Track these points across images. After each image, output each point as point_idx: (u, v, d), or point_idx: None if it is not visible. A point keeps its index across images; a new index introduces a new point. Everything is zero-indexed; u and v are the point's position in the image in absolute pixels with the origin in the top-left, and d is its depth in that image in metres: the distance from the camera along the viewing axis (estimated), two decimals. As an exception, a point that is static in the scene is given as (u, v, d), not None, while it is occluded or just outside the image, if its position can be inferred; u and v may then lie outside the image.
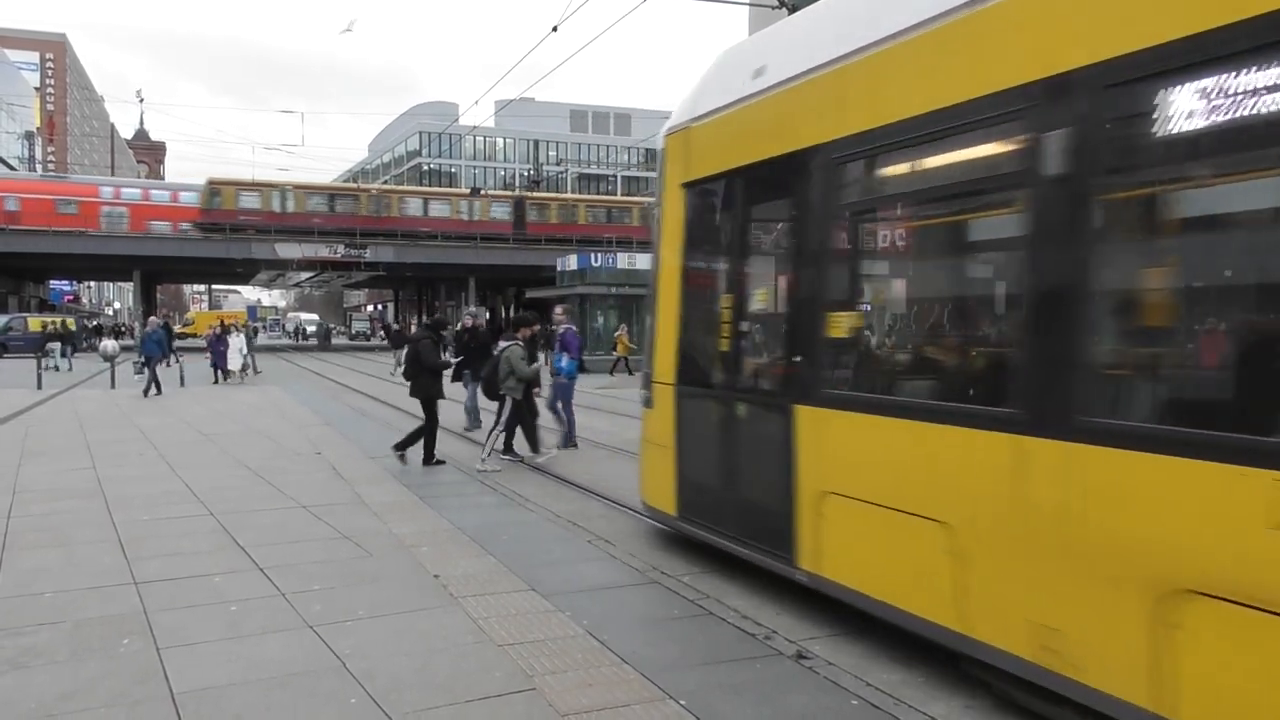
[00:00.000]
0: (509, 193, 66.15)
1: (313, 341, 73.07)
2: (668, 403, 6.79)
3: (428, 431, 10.75)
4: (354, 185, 65.73)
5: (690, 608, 5.45)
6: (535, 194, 61.78)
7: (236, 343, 25.23)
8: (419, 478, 9.88)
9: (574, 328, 12.16)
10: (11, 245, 47.63)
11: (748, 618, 5.27)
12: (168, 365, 23.79)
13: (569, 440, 12.33)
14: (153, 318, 26.08)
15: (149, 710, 4.05)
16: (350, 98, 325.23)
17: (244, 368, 25.58)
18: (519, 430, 11.32)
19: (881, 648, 4.88)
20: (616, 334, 31.75)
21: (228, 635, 4.98)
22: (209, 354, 25.18)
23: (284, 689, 4.26)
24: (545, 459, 11.13)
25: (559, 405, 12.37)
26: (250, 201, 52.39)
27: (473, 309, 16.14)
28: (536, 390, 11.62)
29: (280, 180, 54.56)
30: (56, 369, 29.04)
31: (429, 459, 10.65)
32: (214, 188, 52.32)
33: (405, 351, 14.77)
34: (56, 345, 31.94)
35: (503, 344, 10.90)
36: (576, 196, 69.25)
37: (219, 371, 24.70)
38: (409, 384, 11.13)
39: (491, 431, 10.87)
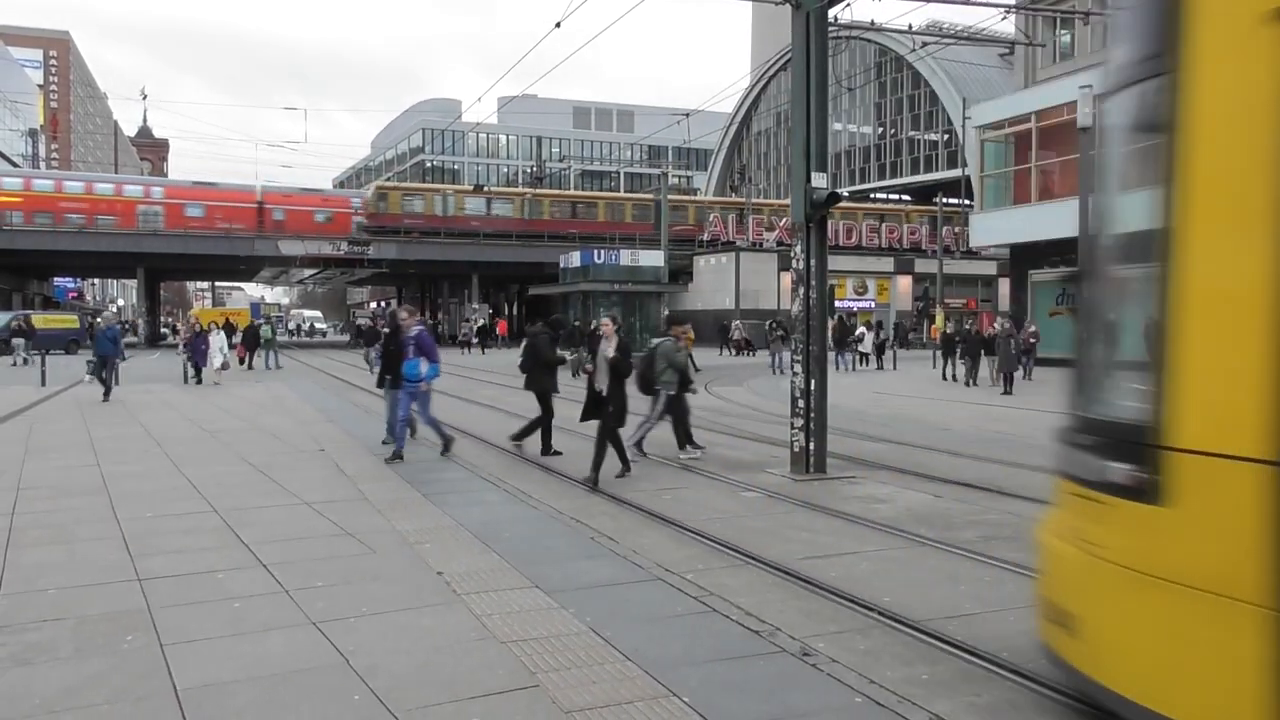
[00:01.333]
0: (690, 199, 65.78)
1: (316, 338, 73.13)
2: (1251, 501, 3.02)
3: (543, 423, 11.28)
4: (513, 190, 65.93)
5: (693, 605, 5.44)
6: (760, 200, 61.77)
7: (217, 341, 24.09)
8: (422, 474, 9.87)
9: (424, 326, 11.20)
10: (15, 243, 47.72)
11: (751, 615, 5.25)
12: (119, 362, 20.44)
13: (445, 447, 11.08)
14: (106, 312, 23.29)
15: (153, 707, 4.04)
16: (352, 95, 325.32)
17: (224, 366, 24.30)
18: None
19: (886, 646, 4.86)
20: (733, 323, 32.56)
21: (231, 632, 4.97)
22: (186, 352, 24.25)
23: (287, 685, 4.26)
24: (690, 457, 11.01)
25: (402, 417, 10.86)
26: (414, 205, 54.50)
27: (406, 306, 14.72)
28: (692, 388, 11.64)
29: (441, 186, 58.18)
30: (25, 362, 30.80)
31: (546, 449, 11.24)
32: (381, 191, 55.65)
33: (373, 352, 14.87)
34: (21, 341, 33.68)
35: (655, 340, 11.34)
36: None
37: (194, 369, 23.45)
38: (524, 377, 11.64)
39: (644, 425, 11.12)
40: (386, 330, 12.44)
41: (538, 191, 61.07)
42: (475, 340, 48.62)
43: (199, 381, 23.23)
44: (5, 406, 16.81)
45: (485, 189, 63.47)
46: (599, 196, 63.72)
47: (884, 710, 4.01)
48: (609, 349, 9.54)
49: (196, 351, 23.61)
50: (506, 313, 68.98)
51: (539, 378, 11.34)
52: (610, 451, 9.49)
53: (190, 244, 51.96)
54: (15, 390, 20.27)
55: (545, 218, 56.72)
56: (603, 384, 9.51)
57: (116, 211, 50.90)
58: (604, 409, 9.48)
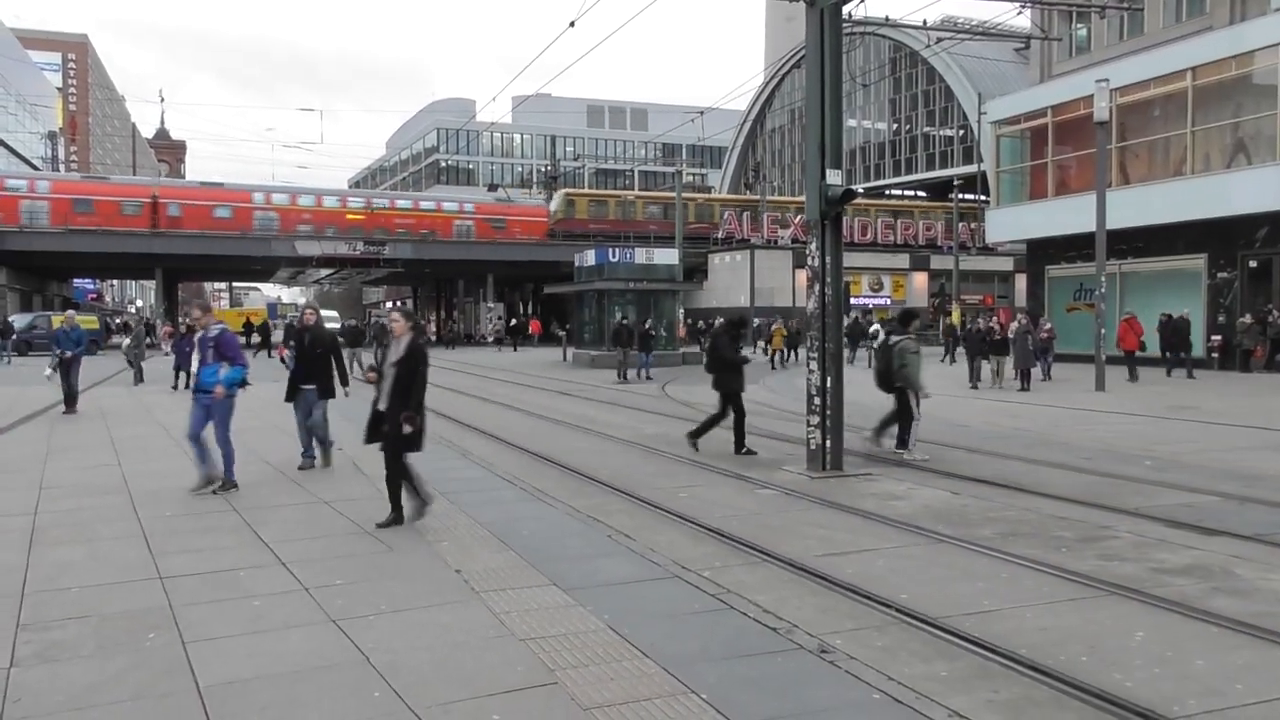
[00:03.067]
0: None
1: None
2: None
3: (736, 421, 11.30)
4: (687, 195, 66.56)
5: (711, 602, 5.44)
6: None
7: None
8: (439, 474, 9.89)
9: (226, 325, 9.71)
10: (35, 244, 48.07)
11: (769, 612, 5.25)
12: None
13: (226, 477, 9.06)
14: (70, 311, 18.86)
15: (175, 703, 4.08)
16: (366, 95, 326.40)
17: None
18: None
19: (903, 643, 4.85)
20: (774, 327, 32.49)
21: (252, 630, 5.01)
22: (172, 355, 22.10)
23: (308, 683, 4.29)
24: (912, 456, 10.85)
25: (193, 433, 8.93)
26: (597, 210, 56.65)
27: (310, 303, 12.25)
28: (924, 393, 11.19)
29: (622, 192, 60.85)
30: (8, 363, 31.58)
31: (740, 447, 11.14)
32: (569, 198, 57.64)
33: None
34: (4, 341, 34.42)
35: (894, 338, 11.12)
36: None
37: (181, 375, 20.64)
38: (712, 378, 11.61)
39: (904, 423, 10.97)
40: (301, 329, 10.55)
41: (707, 197, 64.18)
42: (506, 338, 50.84)
43: (188, 387, 20.94)
44: (27, 407, 16.97)
45: (500, 189, 63.93)
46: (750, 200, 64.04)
47: (902, 707, 4.00)
48: (398, 351, 7.51)
49: (181, 354, 20.56)
50: (522, 311, 69.15)
51: (726, 379, 11.36)
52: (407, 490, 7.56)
53: (208, 245, 52.24)
54: (37, 391, 20.43)
55: (713, 220, 57.90)
56: (384, 397, 7.50)
57: None
58: (387, 429, 7.42)
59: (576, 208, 56.93)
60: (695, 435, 11.54)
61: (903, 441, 11.01)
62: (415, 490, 7.54)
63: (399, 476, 7.50)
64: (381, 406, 7.50)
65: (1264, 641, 4.82)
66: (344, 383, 10.48)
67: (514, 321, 55.66)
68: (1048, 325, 24.24)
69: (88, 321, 46.61)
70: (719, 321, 12.15)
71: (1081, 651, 4.68)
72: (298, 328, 10.99)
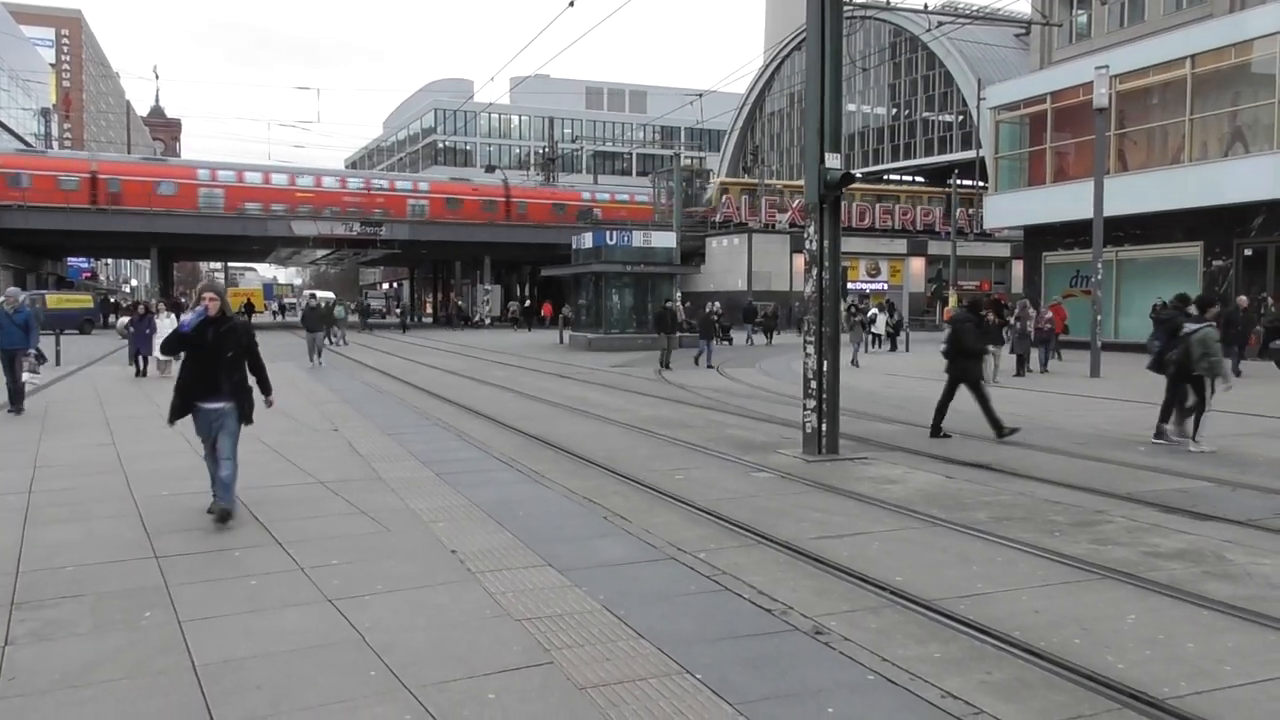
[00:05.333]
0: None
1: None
2: None
3: (982, 404, 11.20)
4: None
5: (707, 584, 5.47)
6: None
7: (168, 325, 17.65)
8: (437, 455, 9.91)
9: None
10: (30, 222, 47.83)
11: (764, 593, 5.27)
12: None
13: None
14: (11, 289, 15.04)
15: (171, 681, 4.09)
16: (363, 73, 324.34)
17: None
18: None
19: (898, 624, 4.88)
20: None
21: (248, 609, 5.03)
22: (130, 340, 20.20)
23: (304, 661, 4.30)
24: (1199, 448, 10.46)
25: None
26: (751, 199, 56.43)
27: (211, 283, 8.28)
28: (1228, 381, 10.66)
29: (771, 181, 60.51)
30: None
31: (1000, 432, 11.06)
32: (723, 186, 58.17)
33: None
34: None
35: (1190, 326, 10.66)
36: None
37: (141, 360, 19.52)
38: (947, 363, 11.54)
39: (1197, 415, 10.66)
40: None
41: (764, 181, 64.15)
42: (521, 320, 54.14)
43: (141, 373, 19.43)
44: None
45: (496, 170, 63.78)
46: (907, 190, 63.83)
47: (896, 688, 4.03)
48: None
49: (139, 337, 19.48)
50: (519, 294, 69.09)
51: (964, 365, 11.34)
52: None
53: (204, 224, 52.02)
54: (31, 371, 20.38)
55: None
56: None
57: None
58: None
59: (731, 194, 56.32)
60: (996, 428, 11.19)
61: (1194, 428, 10.65)
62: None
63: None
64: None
65: (1253, 624, 4.85)
66: (265, 391, 7.36)
67: (528, 303, 56.24)
68: (1049, 315, 22.58)
69: (80, 300, 46.54)
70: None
71: (1074, 634, 4.71)
72: (203, 316, 6.84)
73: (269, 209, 52.88)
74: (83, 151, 59.23)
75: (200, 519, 7.00)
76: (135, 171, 52.78)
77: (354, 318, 53.98)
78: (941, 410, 11.42)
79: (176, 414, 7.02)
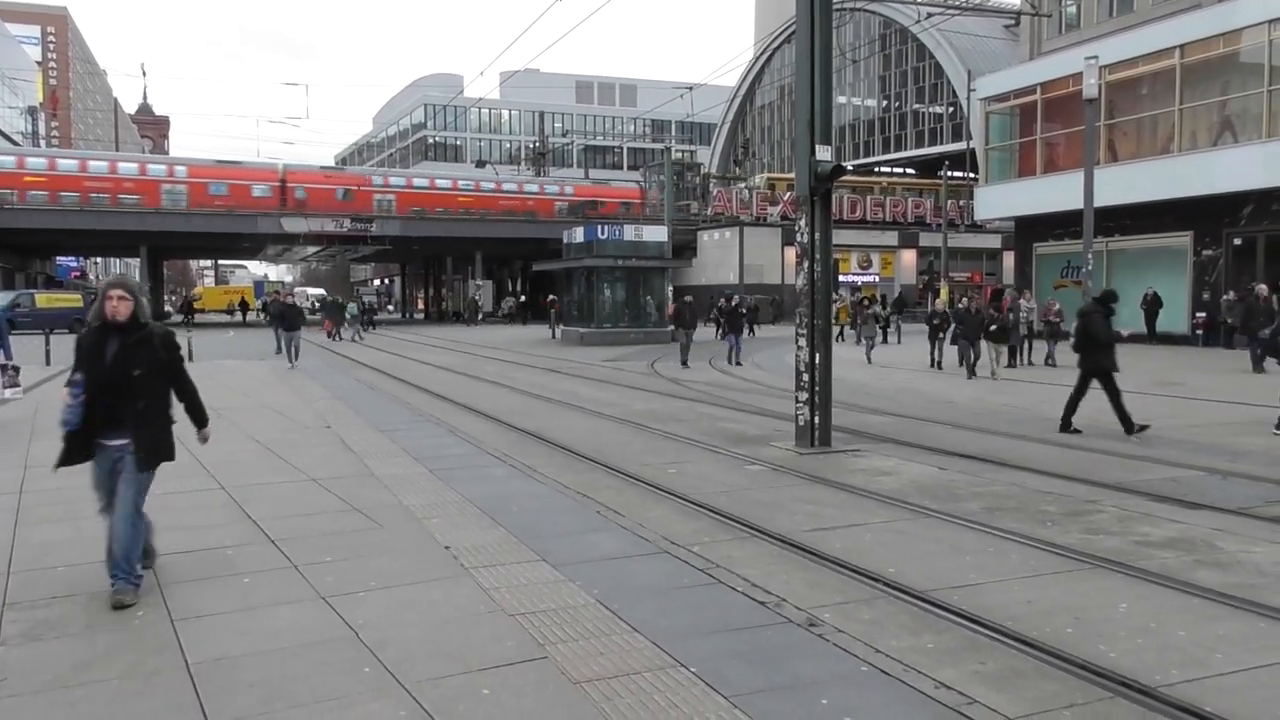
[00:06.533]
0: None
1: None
2: None
3: (1113, 399, 10.93)
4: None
5: (700, 577, 5.47)
6: None
7: None
8: (429, 451, 9.90)
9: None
10: (18, 221, 47.59)
11: (758, 586, 5.28)
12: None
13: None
14: None
15: (164, 681, 4.08)
16: (352, 69, 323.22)
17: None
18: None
19: (891, 616, 4.89)
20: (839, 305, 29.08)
21: (241, 607, 5.01)
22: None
23: (298, 659, 4.29)
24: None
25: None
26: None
27: (120, 278, 6.52)
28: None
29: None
30: None
31: (1129, 427, 10.78)
32: (771, 181, 58.29)
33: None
34: None
35: None
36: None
37: None
38: (1079, 357, 11.31)
39: None
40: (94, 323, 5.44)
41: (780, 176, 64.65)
42: (516, 315, 55.49)
43: None
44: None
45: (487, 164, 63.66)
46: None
47: (890, 679, 4.04)
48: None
49: None
50: (511, 289, 68.97)
51: (1097, 357, 11.10)
52: None
53: (194, 222, 51.81)
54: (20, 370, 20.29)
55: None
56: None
57: None
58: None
59: (777, 190, 56.22)
60: (1067, 421, 11.17)
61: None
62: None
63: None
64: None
65: (1244, 612, 4.87)
66: (197, 422, 5.66)
67: (523, 298, 56.39)
68: (1056, 307, 22.22)
69: (69, 299, 46.34)
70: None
71: (1066, 623, 4.73)
72: (103, 323, 5.19)
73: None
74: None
75: (195, 517, 6.97)
76: (318, 180, 55.47)
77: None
78: (1073, 405, 11.21)
79: (69, 456, 5.18)
